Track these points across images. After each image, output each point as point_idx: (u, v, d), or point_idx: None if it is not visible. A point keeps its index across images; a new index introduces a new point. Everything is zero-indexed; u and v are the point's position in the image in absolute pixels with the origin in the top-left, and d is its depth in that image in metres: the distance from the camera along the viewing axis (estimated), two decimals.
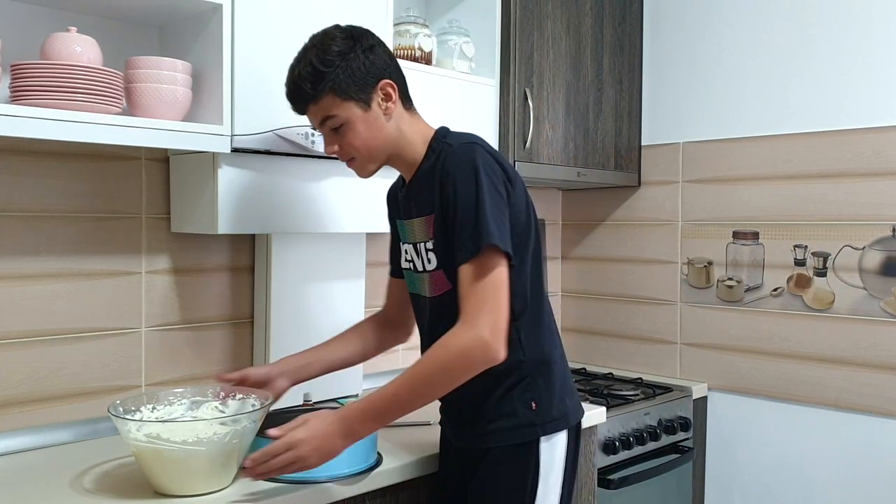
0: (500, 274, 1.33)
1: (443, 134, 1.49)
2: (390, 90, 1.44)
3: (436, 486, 1.63)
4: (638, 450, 2.26)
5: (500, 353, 1.31)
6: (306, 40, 1.46)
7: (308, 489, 1.41)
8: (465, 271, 1.34)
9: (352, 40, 1.42)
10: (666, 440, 2.37)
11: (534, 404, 1.45)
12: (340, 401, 2.06)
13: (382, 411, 1.33)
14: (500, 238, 1.33)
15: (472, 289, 1.32)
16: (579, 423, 1.53)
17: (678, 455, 2.40)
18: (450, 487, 1.57)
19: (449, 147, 1.43)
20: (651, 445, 2.31)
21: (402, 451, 1.64)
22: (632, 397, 2.37)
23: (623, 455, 2.20)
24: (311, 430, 1.31)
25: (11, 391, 1.65)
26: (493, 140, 2.22)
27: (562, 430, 1.47)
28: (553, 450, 1.46)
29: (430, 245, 1.46)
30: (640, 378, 2.61)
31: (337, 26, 1.45)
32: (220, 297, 1.98)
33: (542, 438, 1.44)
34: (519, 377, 1.45)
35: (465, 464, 1.51)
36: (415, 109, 1.52)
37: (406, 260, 1.57)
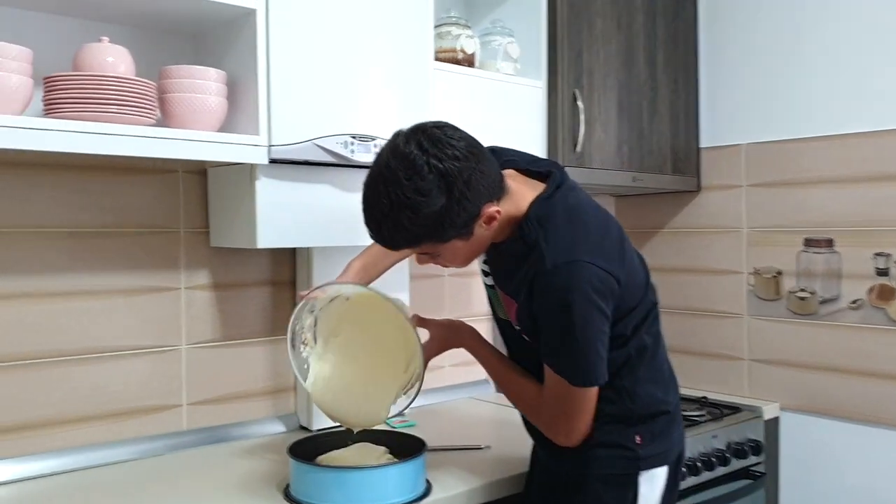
0: (587, 395, 1.34)
1: (536, 217, 1.33)
2: (495, 213, 1.30)
3: None
4: (706, 475, 2.12)
5: (573, 445, 1.39)
6: (382, 167, 1.24)
7: None
8: (550, 380, 1.35)
9: (447, 189, 1.22)
10: (736, 465, 2.22)
11: (638, 438, 1.41)
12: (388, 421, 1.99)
13: (480, 362, 1.52)
14: (591, 377, 1.32)
15: (555, 397, 1.35)
16: (681, 453, 1.49)
17: (749, 481, 2.27)
18: None
19: (541, 258, 1.29)
20: (720, 471, 2.17)
21: (452, 480, 1.57)
22: (697, 418, 2.24)
23: (690, 482, 2.07)
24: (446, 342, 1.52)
25: (50, 411, 1.63)
26: (541, 144, 2.15)
27: (663, 465, 1.43)
28: (652, 483, 1.42)
29: (515, 325, 1.42)
30: (705, 397, 2.48)
31: (425, 159, 1.21)
32: (262, 313, 1.95)
33: (642, 472, 1.41)
34: (627, 422, 1.41)
35: (555, 486, 1.47)
36: (508, 188, 1.35)
37: (485, 273, 1.51)
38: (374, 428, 1.54)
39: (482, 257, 1.49)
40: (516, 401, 1.47)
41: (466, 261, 1.38)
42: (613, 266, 1.30)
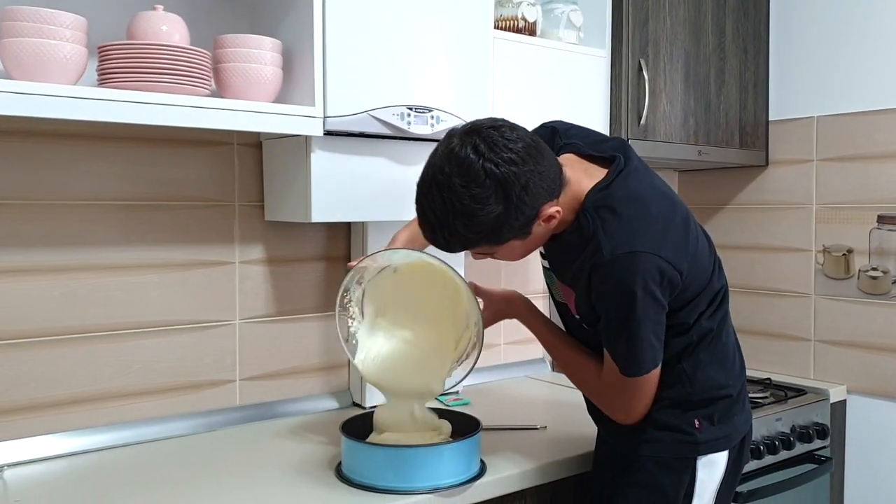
0: (647, 380, 1.32)
1: (594, 206, 1.28)
2: (555, 213, 1.26)
3: (586, 484, 1.58)
4: (769, 459, 2.07)
5: (634, 422, 1.37)
6: (437, 171, 1.20)
7: (408, 499, 1.34)
8: (610, 365, 1.33)
9: (504, 196, 1.18)
10: (800, 449, 2.17)
11: (697, 422, 1.38)
12: (439, 398, 1.98)
13: (534, 331, 1.49)
14: (647, 366, 1.30)
15: (615, 381, 1.33)
16: (745, 437, 1.46)
17: (814, 465, 2.21)
18: (596, 486, 1.51)
19: (598, 249, 1.24)
20: (783, 454, 2.12)
21: (507, 461, 1.54)
22: (761, 400, 2.18)
23: (753, 465, 2.01)
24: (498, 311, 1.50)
25: (103, 385, 1.63)
26: (603, 116, 2.09)
27: (723, 450, 1.40)
28: (711, 468, 1.39)
29: (575, 315, 1.39)
30: (769, 379, 2.42)
31: (481, 164, 1.17)
32: (316, 288, 1.93)
33: (700, 457, 1.38)
34: (685, 406, 1.38)
35: (613, 465, 1.45)
36: (567, 180, 1.29)
37: (543, 255, 1.47)
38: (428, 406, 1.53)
39: None
40: (573, 377, 1.45)
41: (523, 256, 1.36)
42: (677, 257, 1.27)
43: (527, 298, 1.51)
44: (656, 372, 1.32)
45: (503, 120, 1.24)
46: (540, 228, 1.27)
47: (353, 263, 1.44)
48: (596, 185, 1.29)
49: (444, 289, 1.44)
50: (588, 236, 1.26)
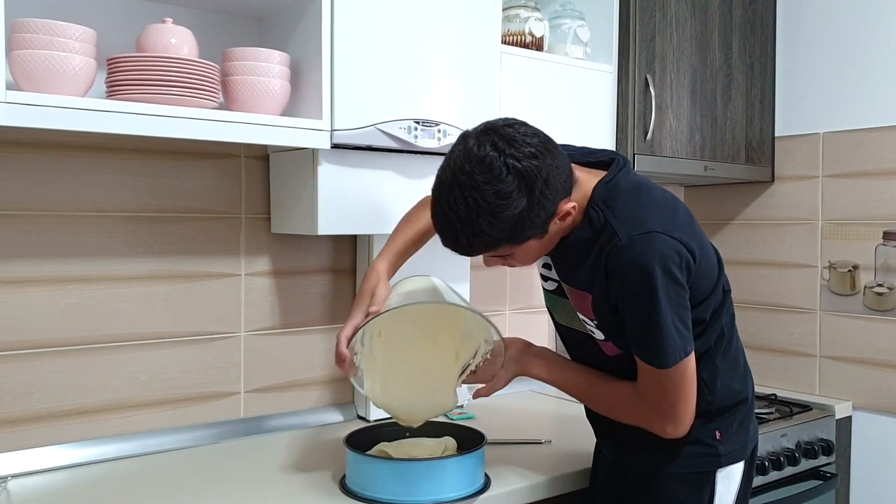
0: (684, 372, 1.27)
1: (602, 198, 1.28)
2: (571, 209, 1.25)
3: (589, 501, 1.56)
4: (774, 475, 2.06)
5: (682, 434, 1.31)
6: (457, 172, 1.18)
7: None
8: (644, 369, 1.29)
9: (528, 190, 1.17)
10: (805, 465, 2.15)
11: (718, 434, 1.36)
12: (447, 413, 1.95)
13: (554, 383, 1.44)
14: (679, 353, 1.25)
15: (653, 385, 1.29)
16: (755, 446, 1.45)
17: (819, 482, 2.19)
18: None
19: (613, 235, 1.24)
20: (789, 470, 2.10)
21: (511, 474, 1.53)
22: (766, 416, 2.17)
23: (757, 481, 1.99)
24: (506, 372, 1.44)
25: (109, 396, 1.63)
26: (610, 131, 2.10)
27: (739, 461, 1.39)
28: (729, 480, 1.38)
29: (591, 324, 1.35)
30: (775, 395, 2.41)
31: (503, 160, 1.16)
32: (321, 300, 1.92)
33: (720, 469, 1.37)
34: (706, 416, 1.36)
35: (627, 484, 1.43)
36: (576, 179, 1.30)
37: (545, 277, 1.45)
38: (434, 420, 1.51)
39: (541, 260, 1.45)
40: (606, 404, 1.39)
41: (536, 259, 1.35)
42: (689, 238, 1.26)
43: (530, 351, 1.45)
44: (692, 366, 1.27)
45: (514, 118, 1.24)
46: (555, 227, 1.25)
47: (373, 309, 1.39)
48: (601, 179, 1.30)
49: (428, 307, 1.42)
50: (600, 227, 1.26)
